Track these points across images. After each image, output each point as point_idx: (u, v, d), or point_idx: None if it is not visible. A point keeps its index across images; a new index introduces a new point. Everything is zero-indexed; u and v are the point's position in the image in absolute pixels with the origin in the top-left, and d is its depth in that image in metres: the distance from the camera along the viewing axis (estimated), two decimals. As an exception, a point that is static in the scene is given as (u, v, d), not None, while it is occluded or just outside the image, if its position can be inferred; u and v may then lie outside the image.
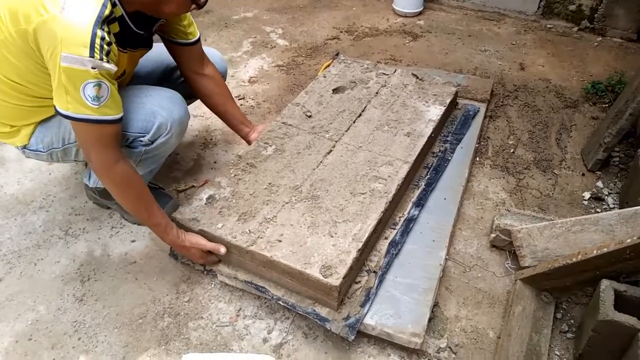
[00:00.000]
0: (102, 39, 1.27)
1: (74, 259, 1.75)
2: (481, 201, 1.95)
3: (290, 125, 1.98)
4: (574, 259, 1.43)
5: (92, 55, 1.26)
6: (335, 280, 1.38)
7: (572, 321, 1.53)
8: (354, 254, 1.46)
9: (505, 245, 1.72)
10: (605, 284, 1.33)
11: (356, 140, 1.90)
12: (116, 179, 1.44)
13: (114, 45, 1.33)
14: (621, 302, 1.30)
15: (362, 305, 1.47)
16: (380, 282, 1.55)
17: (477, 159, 2.14)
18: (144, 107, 1.55)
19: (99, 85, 1.29)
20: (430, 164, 1.97)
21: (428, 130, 1.95)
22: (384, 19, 3.34)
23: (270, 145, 1.87)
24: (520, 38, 3.07)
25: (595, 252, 1.39)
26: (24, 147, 1.61)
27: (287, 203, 1.63)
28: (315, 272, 1.41)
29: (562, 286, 1.54)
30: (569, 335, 1.50)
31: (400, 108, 2.08)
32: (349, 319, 1.43)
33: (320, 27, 3.27)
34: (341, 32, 3.20)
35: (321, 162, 1.80)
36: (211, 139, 2.30)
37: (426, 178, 1.91)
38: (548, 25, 3.19)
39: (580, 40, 3.03)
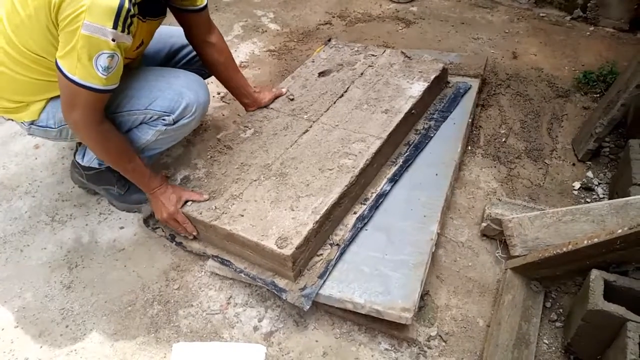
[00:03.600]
0: (128, 11, 1.29)
1: (61, 245, 1.73)
2: (472, 190, 1.95)
3: (271, 108, 1.99)
4: (565, 249, 1.44)
5: (115, 27, 1.28)
6: (288, 250, 1.42)
7: (561, 310, 1.54)
8: (310, 226, 1.48)
9: (495, 234, 1.73)
10: (595, 273, 1.34)
11: (333, 119, 1.91)
12: (98, 137, 1.47)
13: (136, 17, 1.36)
14: (610, 292, 1.31)
15: (320, 277, 1.49)
16: (342, 254, 1.57)
17: (469, 147, 2.14)
18: (171, 87, 1.58)
19: (112, 56, 1.32)
20: (412, 141, 1.97)
21: (407, 107, 1.94)
22: (377, 4, 3.30)
23: (250, 129, 1.89)
24: (513, 26, 3.06)
25: (585, 242, 1.39)
26: (32, 122, 1.60)
27: (255, 181, 1.66)
28: (271, 243, 1.44)
29: (552, 275, 1.55)
30: (558, 324, 1.51)
31: (382, 87, 2.07)
32: (305, 289, 1.46)
33: (312, 11, 3.22)
34: (334, 17, 3.16)
35: (296, 141, 1.82)
36: (201, 125, 2.26)
37: (405, 155, 1.91)
38: (541, 14, 3.18)
39: (573, 30, 3.02)
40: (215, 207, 1.57)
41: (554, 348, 1.46)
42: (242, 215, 1.54)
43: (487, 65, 2.47)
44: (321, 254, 1.56)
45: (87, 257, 1.69)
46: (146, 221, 1.75)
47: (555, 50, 2.82)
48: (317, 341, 1.47)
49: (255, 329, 1.50)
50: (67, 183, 1.95)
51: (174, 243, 1.69)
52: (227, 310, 1.54)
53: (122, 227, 1.79)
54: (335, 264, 1.54)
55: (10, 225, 1.79)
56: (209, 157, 1.78)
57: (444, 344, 1.47)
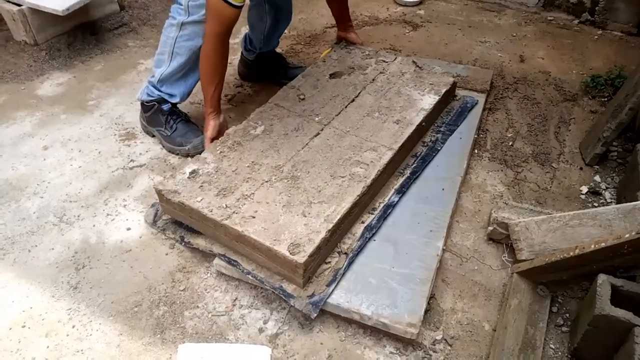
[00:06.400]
0: None
1: (69, 246, 1.74)
2: (479, 194, 1.94)
3: (282, 107, 1.99)
4: (572, 253, 1.43)
5: None
6: (301, 257, 1.41)
7: (567, 315, 1.53)
8: (323, 234, 1.48)
9: (502, 238, 1.72)
10: (602, 278, 1.33)
11: (345, 125, 1.91)
12: (208, 47, 1.80)
13: None
14: (618, 297, 1.30)
15: (328, 285, 1.49)
16: (350, 264, 1.57)
17: (476, 151, 2.13)
18: None
19: None
20: (419, 153, 1.97)
21: (418, 119, 1.94)
22: (384, 7, 3.31)
23: (260, 126, 1.89)
24: (521, 30, 3.05)
25: (593, 246, 1.39)
26: None
27: (266, 181, 1.66)
28: (283, 249, 1.44)
29: (559, 280, 1.54)
30: (564, 329, 1.50)
31: (394, 95, 2.07)
32: (314, 297, 1.46)
33: (319, 14, 3.23)
34: (340, 20, 3.16)
35: (307, 144, 1.81)
36: (208, 127, 2.27)
37: (412, 167, 1.91)
38: (549, 17, 3.17)
39: (581, 33, 3.01)
40: (226, 206, 1.57)
41: (560, 353, 1.45)
42: (254, 217, 1.54)
43: (493, 81, 2.47)
44: (329, 262, 1.56)
45: (94, 258, 1.70)
46: (154, 223, 1.76)
47: (563, 53, 2.81)
48: (322, 344, 1.47)
49: (261, 330, 1.50)
50: (75, 184, 1.97)
51: (182, 244, 1.69)
52: (232, 312, 1.55)
53: (129, 229, 1.80)
54: (344, 273, 1.54)
55: (19, 225, 1.81)
56: (218, 151, 1.77)
57: (449, 348, 1.46)
